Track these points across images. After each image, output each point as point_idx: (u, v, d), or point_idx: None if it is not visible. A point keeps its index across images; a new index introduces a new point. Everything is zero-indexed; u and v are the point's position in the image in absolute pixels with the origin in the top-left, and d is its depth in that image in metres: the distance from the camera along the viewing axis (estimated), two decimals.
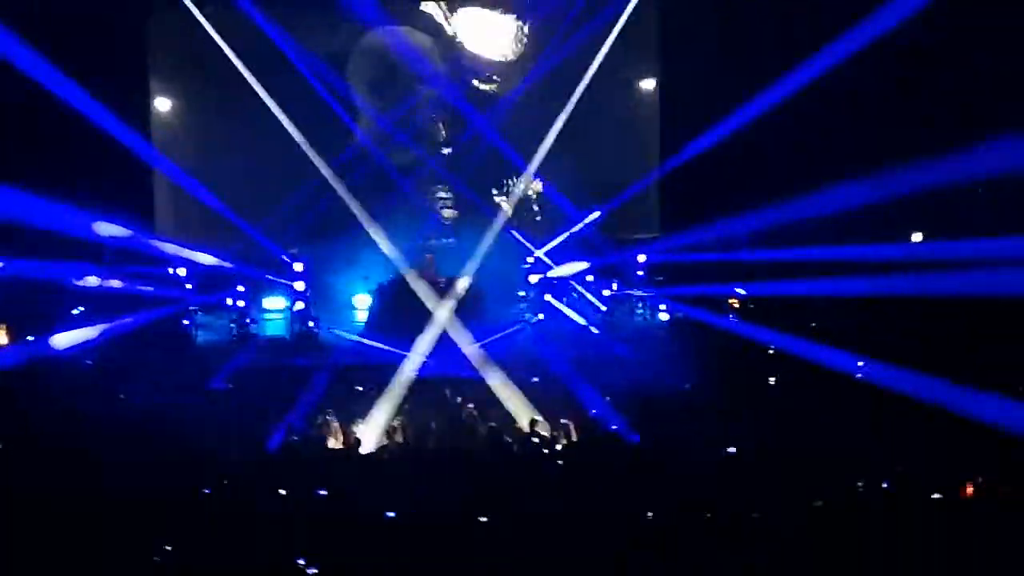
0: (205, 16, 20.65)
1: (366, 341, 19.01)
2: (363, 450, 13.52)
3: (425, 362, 17.60)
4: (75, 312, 18.61)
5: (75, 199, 17.07)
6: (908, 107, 19.00)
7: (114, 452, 12.19)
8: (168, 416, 14.26)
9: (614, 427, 13.60)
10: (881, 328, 16.31)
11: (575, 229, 21.54)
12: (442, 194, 22.52)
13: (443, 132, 22.51)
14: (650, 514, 9.26)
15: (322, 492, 10.57)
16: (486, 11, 22.13)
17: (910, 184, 14.42)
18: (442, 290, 19.89)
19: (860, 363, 14.62)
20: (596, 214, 21.39)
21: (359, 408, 15.01)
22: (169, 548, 8.67)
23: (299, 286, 20.53)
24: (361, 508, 9.95)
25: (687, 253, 19.81)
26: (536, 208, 22.49)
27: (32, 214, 16.15)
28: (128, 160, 19.41)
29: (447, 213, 22.56)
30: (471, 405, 15.32)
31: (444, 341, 18.39)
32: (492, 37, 22.25)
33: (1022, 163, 12.61)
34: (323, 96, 21.08)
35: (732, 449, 11.96)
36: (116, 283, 18.79)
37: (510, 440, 13.60)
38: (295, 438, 13.62)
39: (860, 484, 10.16)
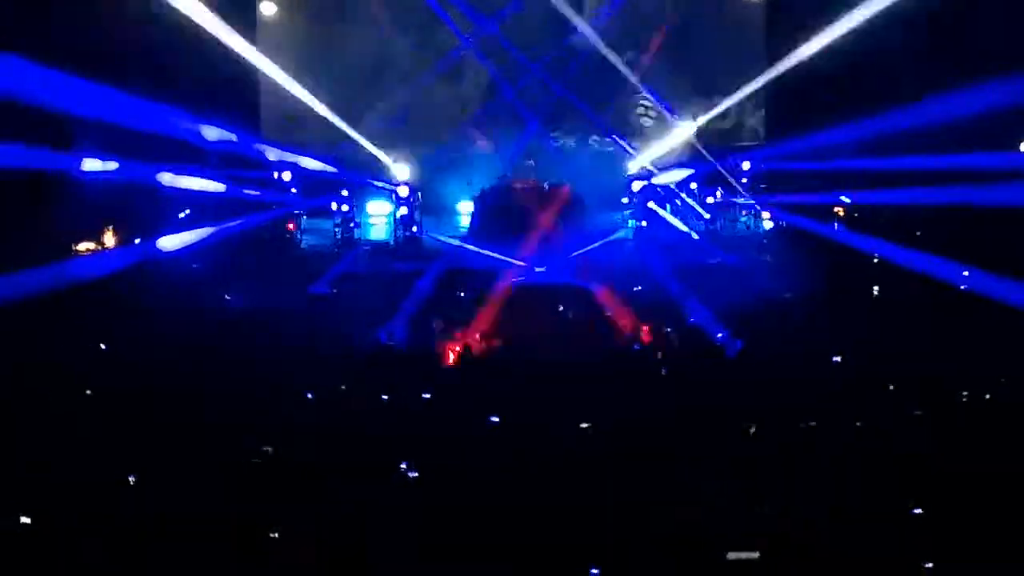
0: None
1: (469, 247, 19.06)
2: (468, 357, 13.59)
3: (528, 269, 17.62)
4: (182, 215, 18.80)
5: (182, 103, 17.22)
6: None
7: (220, 351, 12.44)
8: (271, 318, 14.52)
9: (718, 335, 13.59)
10: (985, 237, 16.08)
11: (680, 136, 21.41)
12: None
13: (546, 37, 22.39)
14: (752, 428, 9.26)
15: (426, 395, 10.68)
16: None
17: (1019, 92, 14.16)
18: (545, 196, 19.87)
19: (965, 273, 14.45)
20: (701, 120, 21.25)
21: (462, 314, 15.07)
22: (269, 447, 8.81)
23: (403, 191, 20.56)
24: (462, 412, 10.03)
25: (792, 161, 19.61)
26: (642, 114, 22.33)
27: (141, 118, 16.30)
28: (234, 63, 19.50)
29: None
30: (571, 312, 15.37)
31: (547, 248, 18.38)
32: None
33: None
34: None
35: (837, 358, 11.92)
36: (222, 187, 18.94)
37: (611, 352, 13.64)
38: (393, 343, 13.73)
39: (964, 394, 10.10)
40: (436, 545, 6.91)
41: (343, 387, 11.16)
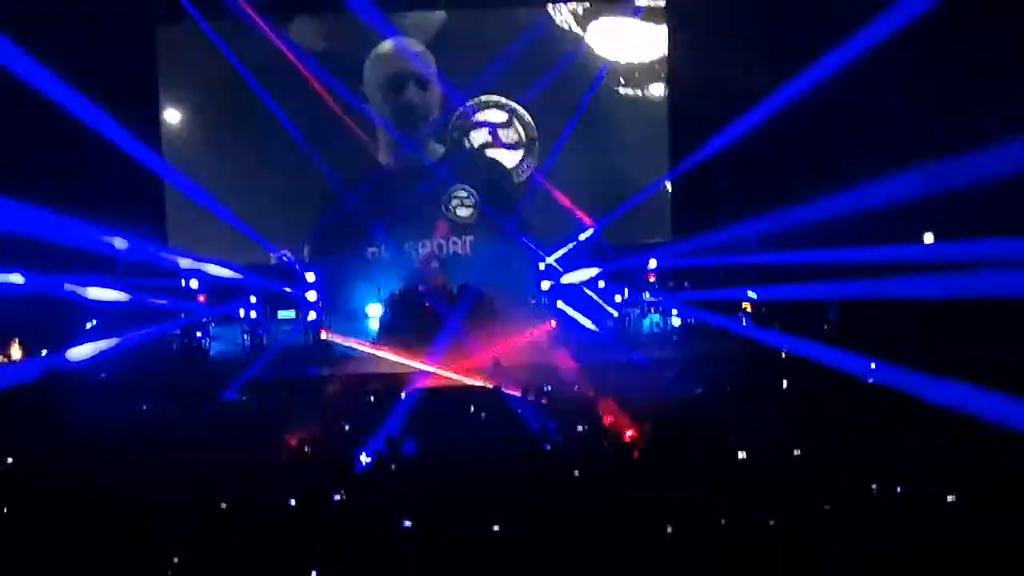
0: (213, 27, 20.78)
1: (379, 351, 19.06)
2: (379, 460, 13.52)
3: (437, 371, 17.61)
4: (89, 326, 18.69)
5: (87, 213, 17.16)
6: (917, 108, 18.99)
7: (127, 463, 12.28)
8: (180, 427, 14.37)
9: (628, 432, 13.60)
10: (893, 330, 16.30)
11: (586, 235, 21.61)
12: (460, 192, 22.56)
13: (452, 139, 22.59)
14: (669, 529, 9.26)
15: (336, 496, 10.60)
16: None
17: (921, 185, 14.42)
18: (454, 298, 19.96)
19: (872, 365, 14.60)
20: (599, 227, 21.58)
21: (371, 418, 14.99)
22: (178, 560, 8.72)
23: (311, 296, 20.58)
24: (376, 517, 9.96)
25: (698, 257, 19.82)
26: (547, 214, 22.51)
27: (45, 229, 16.23)
28: (139, 172, 19.51)
29: (463, 212, 22.61)
30: (483, 414, 15.32)
31: (456, 350, 18.40)
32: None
33: None
34: (332, 106, 21.20)
35: (742, 454, 11.96)
36: (128, 296, 18.85)
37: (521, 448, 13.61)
38: (306, 449, 13.62)
39: (874, 487, 10.15)
40: None
41: (252, 494, 11.05)
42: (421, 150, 22.15)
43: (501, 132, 22.75)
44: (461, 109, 22.31)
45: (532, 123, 22.60)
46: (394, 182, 22.05)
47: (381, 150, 22.43)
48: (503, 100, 22.62)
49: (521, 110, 22.59)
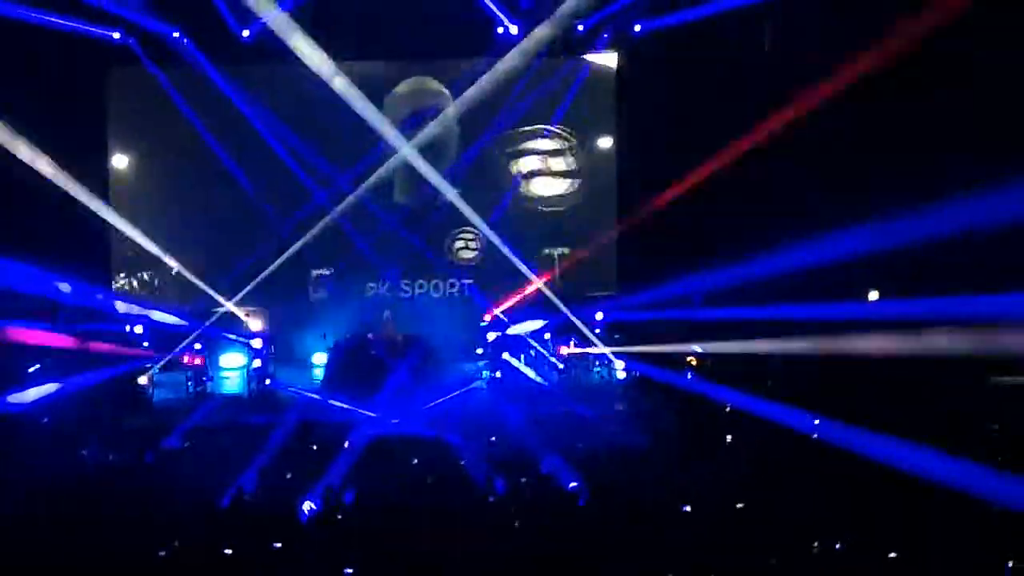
0: (164, 72, 20.78)
1: (324, 399, 18.99)
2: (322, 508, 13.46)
3: (382, 420, 17.56)
4: (31, 370, 18.54)
5: (30, 257, 17.07)
6: (864, 165, 19.16)
7: (69, 510, 12.17)
8: (121, 474, 14.27)
9: (571, 484, 13.59)
10: (837, 387, 16.39)
11: (532, 287, 21.65)
12: (465, 234, 22.65)
13: (402, 189, 22.62)
14: None
15: (276, 545, 10.54)
16: None
17: (865, 242, 14.53)
18: (400, 347, 19.94)
19: (816, 422, 14.67)
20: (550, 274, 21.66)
21: (314, 467, 14.93)
22: None
23: (257, 343, 20.51)
24: (317, 566, 9.92)
25: (644, 311, 19.88)
26: (494, 265, 22.56)
27: None
28: (85, 217, 19.44)
29: (466, 255, 22.73)
30: (427, 464, 15.30)
31: (401, 399, 18.36)
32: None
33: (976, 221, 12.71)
34: (281, 155, 21.21)
35: (687, 507, 11.98)
36: (71, 341, 18.73)
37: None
38: (246, 497, 13.54)
39: (815, 544, 10.18)
40: None
41: (192, 542, 10.97)
42: (434, 189, 22.06)
43: (552, 160, 22.81)
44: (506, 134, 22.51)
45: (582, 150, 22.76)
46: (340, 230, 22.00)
47: (396, 189, 22.43)
48: (558, 129, 22.74)
49: (574, 140, 22.69)
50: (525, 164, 22.88)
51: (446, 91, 22.32)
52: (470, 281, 22.82)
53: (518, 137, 22.74)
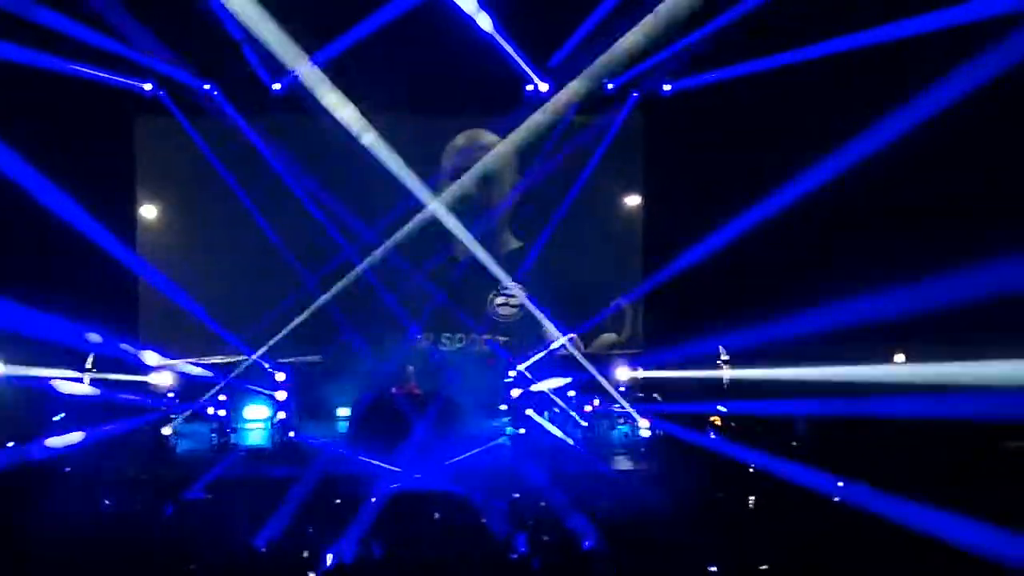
0: (191, 122, 20.90)
1: (348, 453, 18.97)
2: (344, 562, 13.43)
3: (405, 475, 17.54)
4: (56, 419, 18.59)
5: (57, 306, 17.14)
6: (895, 228, 19.18)
7: (89, 560, 12.17)
8: (143, 525, 14.26)
9: (592, 543, 13.54)
10: (862, 449, 16.32)
11: (557, 344, 21.66)
12: (506, 292, 22.74)
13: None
14: None
15: None
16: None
17: (893, 305, 14.50)
18: (423, 402, 19.93)
19: (840, 483, 14.60)
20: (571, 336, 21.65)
21: (337, 520, 14.91)
22: None
23: (281, 396, 20.51)
24: None
25: (669, 370, 19.88)
26: (518, 321, 22.59)
27: (14, 321, 16.22)
28: (112, 267, 19.53)
29: (505, 311, 22.78)
30: (450, 520, 15.25)
31: (424, 454, 18.34)
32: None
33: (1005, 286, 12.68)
34: (309, 207, 21.29)
35: (713, 568, 11.93)
36: (98, 391, 18.78)
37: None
38: (268, 550, 13.52)
39: None
40: None
41: None
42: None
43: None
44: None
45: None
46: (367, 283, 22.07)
47: (454, 243, 22.50)
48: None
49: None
50: None
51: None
52: (503, 338, 22.82)
53: None
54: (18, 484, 15.56)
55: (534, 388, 21.12)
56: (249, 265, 21.91)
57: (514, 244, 22.89)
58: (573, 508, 14.95)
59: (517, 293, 22.68)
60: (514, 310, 22.87)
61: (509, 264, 22.31)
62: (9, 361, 17.54)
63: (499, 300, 22.87)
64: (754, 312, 17.36)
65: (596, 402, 20.97)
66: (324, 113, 19.87)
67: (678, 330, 19.68)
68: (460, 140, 22.39)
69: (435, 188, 21.65)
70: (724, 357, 20.11)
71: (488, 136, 22.47)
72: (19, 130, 17.04)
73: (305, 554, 13.56)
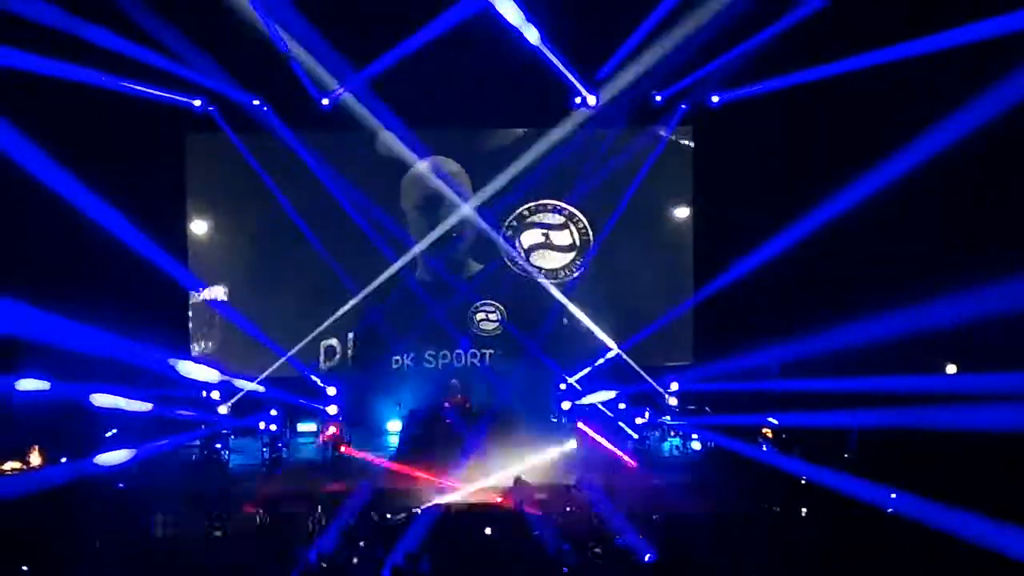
0: (242, 138, 21.01)
1: (398, 467, 19.00)
2: None
3: (456, 489, 17.56)
4: (109, 434, 18.71)
5: (111, 322, 17.27)
6: (945, 236, 19.08)
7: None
8: (197, 541, 14.34)
9: (647, 557, 13.51)
10: (914, 460, 16.21)
11: (608, 356, 21.68)
12: (486, 306, 22.69)
13: (472, 262, 22.72)
14: None
15: None
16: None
17: (943, 316, 14.42)
18: (473, 416, 19.95)
19: (893, 495, 14.52)
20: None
21: (389, 534, 14.92)
22: None
23: (332, 410, 20.57)
24: None
25: (720, 382, 19.82)
26: (569, 334, 22.58)
27: (68, 337, 16.37)
28: (164, 282, 19.66)
29: (487, 326, 22.75)
30: (501, 534, 15.25)
31: (475, 468, 18.35)
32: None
33: None
34: (358, 222, 21.35)
35: None
36: (149, 406, 18.87)
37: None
38: (323, 564, 13.55)
39: None
40: None
41: None
42: (453, 268, 22.24)
43: (553, 234, 22.90)
44: (518, 210, 22.66)
45: (588, 227, 22.79)
46: (419, 297, 22.14)
47: (419, 266, 22.57)
48: (561, 204, 22.82)
49: (579, 215, 22.82)
50: (528, 238, 22.86)
51: (463, 173, 22.47)
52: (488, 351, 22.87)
53: (525, 212, 22.77)
54: (71, 500, 15.66)
55: (584, 400, 21.12)
56: (299, 279, 21.96)
57: (475, 268, 22.93)
58: (626, 521, 14.94)
59: (497, 308, 22.70)
60: (494, 324, 22.82)
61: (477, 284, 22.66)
62: (63, 376, 17.64)
63: (479, 316, 22.81)
64: (806, 324, 17.30)
65: (647, 414, 20.94)
66: (373, 129, 19.99)
67: (728, 343, 19.61)
68: (422, 167, 22.24)
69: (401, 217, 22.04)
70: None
71: (452, 165, 22.41)
72: (72, 149, 17.21)
73: (358, 570, 13.61)
